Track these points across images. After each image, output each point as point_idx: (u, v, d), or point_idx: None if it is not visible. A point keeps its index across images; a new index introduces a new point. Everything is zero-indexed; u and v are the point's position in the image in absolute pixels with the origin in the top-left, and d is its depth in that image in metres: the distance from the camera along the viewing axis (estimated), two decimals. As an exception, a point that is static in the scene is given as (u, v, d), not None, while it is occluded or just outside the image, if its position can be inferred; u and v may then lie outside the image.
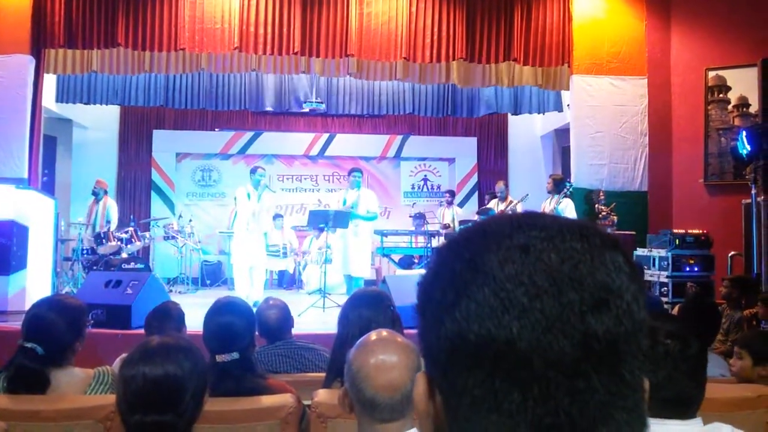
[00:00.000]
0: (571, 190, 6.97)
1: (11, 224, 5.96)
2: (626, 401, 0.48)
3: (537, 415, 0.46)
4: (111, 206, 8.60)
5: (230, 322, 2.17)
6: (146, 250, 9.30)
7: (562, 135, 10.02)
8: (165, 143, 10.80)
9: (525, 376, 0.46)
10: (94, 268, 7.58)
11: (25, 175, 6.86)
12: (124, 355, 3.01)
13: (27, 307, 5.78)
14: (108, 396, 2.04)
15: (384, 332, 1.53)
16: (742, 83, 7.38)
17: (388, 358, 1.42)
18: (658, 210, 7.50)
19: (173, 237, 9.19)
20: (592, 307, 0.47)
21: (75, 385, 2.08)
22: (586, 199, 7.25)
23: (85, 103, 9.36)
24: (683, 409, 1.35)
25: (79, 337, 2.17)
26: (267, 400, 2.01)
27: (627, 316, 0.48)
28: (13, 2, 6.98)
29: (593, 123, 7.52)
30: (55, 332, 2.09)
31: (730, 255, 6.64)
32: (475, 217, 8.28)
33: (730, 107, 7.52)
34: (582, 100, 7.55)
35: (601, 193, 7.12)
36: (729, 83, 7.53)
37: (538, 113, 9.92)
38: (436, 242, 8.35)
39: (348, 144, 11.06)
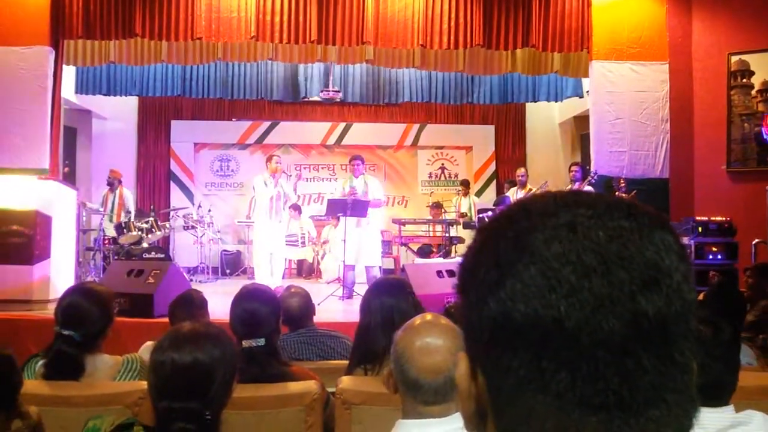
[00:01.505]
0: (596, 178, 6.90)
1: (34, 214, 6.03)
2: (676, 382, 0.47)
3: (585, 395, 0.45)
4: (128, 196, 8.70)
5: (255, 308, 2.19)
6: (166, 239, 9.39)
7: (581, 122, 9.91)
8: (183, 133, 10.88)
9: (573, 356, 0.46)
10: (116, 257, 7.68)
11: (47, 166, 6.93)
12: (148, 342, 3.05)
13: (51, 296, 5.94)
14: (136, 382, 2.07)
15: (429, 315, 1.53)
16: (767, 67, 7.24)
17: (433, 341, 1.44)
18: (680, 197, 7.40)
19: (193, 227, 9.27)
20: (642, 286, 0.46)
21: (105, 371, 2.11)
22: (606, 186, 7.17)
23: (104, 95, 9.43)
24: (717, 396, 1.34)
25: (110, 323, 2.22)
26: (292, 387, 2.03)
27: (677, 296, 0.48)
28: (32, -6, 7.04)
29: (613, 109, 7.43)
30: (89, 319, 2.14)
31: (754, 243, 6.54)
32: (493, 207, 8.23)
33: (753, 92, 7.38)
34: (602, 87, 7.45)
35: (622, 181, 7.04)
36: (752, 68, 7.38)
37: (556, 101, 9.82)
38: (454, 231, 8.34)
39: (364, 133, 11.05)
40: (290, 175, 9.51)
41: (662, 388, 0.46)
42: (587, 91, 8.35)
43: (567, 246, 0.47)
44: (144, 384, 2.02)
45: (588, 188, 6.81)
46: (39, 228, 6.03)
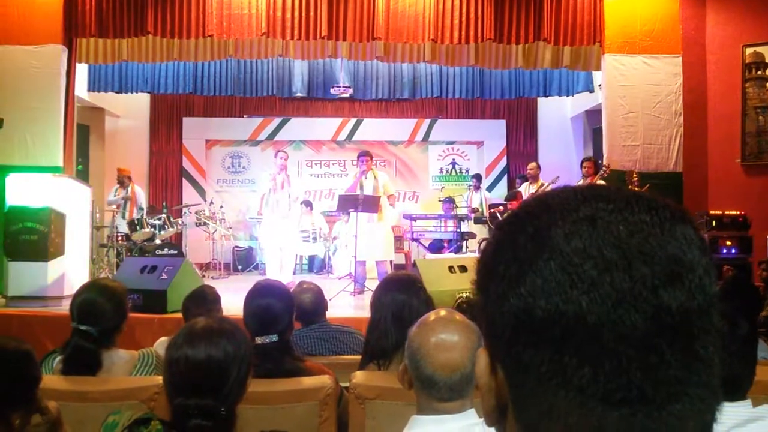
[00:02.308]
0: (608, 172, 6.87)
1: (49, 211, 6.08)
2: (699, 377, 0.47)
3: (608, 390, 0.45)
4: (139, 193, 8.76)
5: (269, 305, 2.19)
6: (179, 236, 9.43)
7: (593, 116, 9.86)
8: (195, 130, 10.93)
9: (595, 351, 0.45)
10: (129, 254, 7.74)
11: (61, 164, 6.99)
12: (163, 338, 3.07)
13: (66, 292, 5.98)
14: (151, 377, 2.09)
15: (443, 311, 1.53)
16: (782, 59, 7.16)
17: (449, 337, 1.43)
18: (694, 191, 7.34)
19: (205, 223, 9.31)
20: (665, 281, 0.46)
21: (121, 366, 2.13)
22: (619, 180, 7.13)
23: (117, 92, 9.48)
24: (733, 391, 1.33)
25: (124, 319, 2.23)
26: (306, 382, 2.04)
27: (699, 291, 0.47)
28: (45, -8, 7.09)
29: (626, 103, 7.38)
30: (104, 315, 2.16)
31: (768, 236, 6.49)
32: (505, 202, 8.20)
33: (768, 84, 7.31)
34: (614, 80, 7.40)
35: (635, 175, 7.00)
36: (767, 60, 7.30)
37: (568, 95, 9.77)
38: (465, 226, 8.32)
39: (375, 128, 11.04)
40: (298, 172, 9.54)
41: (685, 382, 0.46)
42: (599, 85, 8.29)
43: (587, 241, 0.47)
44: (159, 379, 2.04)
45: (600, 183, 6.77)
46: (54, 225, 6.07)
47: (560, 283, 0.46)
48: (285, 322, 2.21)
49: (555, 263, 0.47)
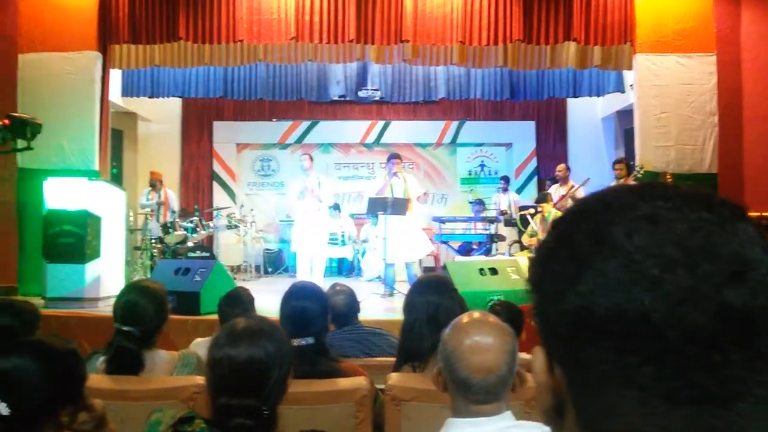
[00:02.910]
0: (642, 174, 6.77)
1: (85, 214, 6.22)
2: (764, 377, 0.46)
3: (672, 389, 0.45)
4: (171, 196, 8.90)
5: (305, 307, 2.21)
6: (210, 238, 9.57)
7: (624, 117, 9.72)
8: (225, 134, 11.07)
9: (658, 349, 0.45)
10: (162, 256, 7.87)
11: (96, 168, 7.14)
12: (198, 339, 3.12)
13: (102, 294, 6.10)
14: (191, 377, 2.13)
15: (477, 313, 1.52)
16: (821, 57, 6.98)
17: (483, 339, 1.42)
18: (729, 192, 7.17)
19: (236, 226, 9.42)
20: (728, 279, 0.46)
21: (163, 366, 2.17)
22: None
23: (149, 97, 9.64)
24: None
25: (165, 320, 2.28)
26: (342, 383, 2.05)
27: (763, 289, 0.47)
28: (80, 0, 7.25)
29: (658, 103, 7.26)
30: (146, 316, 2.20)
31: (808, 238, 6.31)
32: (535, 204, 8.13)
33: (806, 82, 7.12)
34: (646, 80, 7.29)
35: (668, 176, 6.89)
36: (805, 57, 7.13)
37: (598, 95, 9.65)
38: (494, 228, 8.28)
39: (403, 131, 11.05)
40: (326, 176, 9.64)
41: (749, 382, 0.46)
42: (630, 85, 8.18)
43: (648, 238, 0.47)
44: (199, 379, 2.07)
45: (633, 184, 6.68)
46: (90, 228, 6.21)
47: (621, 281, 0.46)
48: (320, 324, 2.23)
49: (615, 261, 0.47)
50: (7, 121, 5.16)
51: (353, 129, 11.08)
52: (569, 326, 0.49)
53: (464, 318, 1.54)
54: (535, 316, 0.54)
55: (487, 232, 8.02)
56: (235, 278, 8.32)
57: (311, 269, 7.32)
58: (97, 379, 2.00)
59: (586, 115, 10.72)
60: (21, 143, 5.46)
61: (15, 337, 2.03)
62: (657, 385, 0.45)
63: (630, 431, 0.47)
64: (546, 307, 0.52)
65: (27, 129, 5.24)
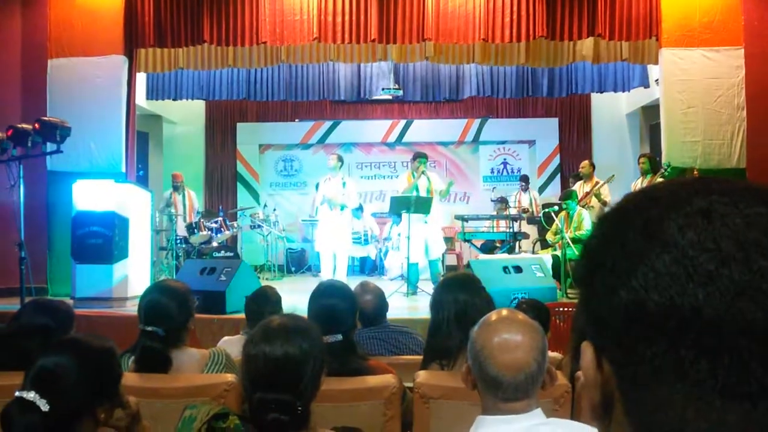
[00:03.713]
0: (669, 170, 6.68)
1: (113, 216, 6.31)
2: None
3: (728, 384, 0.45)
4: (194, 197, 9.00)
5: (333, 305, 2.23)
6: (234, 238, 9.65)
7: (649, 112, 9.60)
8: (248, 135, 11.16)
9: (713, 344, 0.45)
10: (187, 257, 7.97)
11: (123, 170, 7.25)
12: (226, 337, 3.16)
13: (130, 294, 6.18)
14: (221, 375, 2.15)
15: (505, 311, 1.52)
16: None
17: (512, 337, 1.42)
18: (759, 187, 7.05)
19: (259, 226, 9.49)
20: None
21: (193, 364, 2.20)
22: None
23: (173, 99, 9.76)
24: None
25: (190, 318, 2.30)
26: (371, 381, 2.06)
27: None
28: (107, 6, 7.36)
29: (685, 98, 7.15)
30: (169, 315, 2.22)
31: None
32: (559, 201, 8.05)
33: (838, 75, 6.96)
34: (672, 75, 7.19)
35: (696, 172, 6.79)
36: (837, 49, 6.97)
37: (623, 91, 9.54)
38: (518, 227, 8.23)
39: (425, 129, 11.04)
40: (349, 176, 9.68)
41: None
42: (656, 80, 8.07)
43: (703, 233, 0.47)
44: (229, 377, 2.10)
45: (660, 181, 6.60)
46: (117, 229, 6.30)
47: (675, 276, 0.46)
48: (349, 321, 2.24)
49: (669, 256, 0.47)
50: (37, 125, 5.27)
51: (375, 128, 11.10)
52: (621, 321, 0.49)
53: (493, 316, 1.53)
54: (583, 312, 0.54)
55: (510, 230, 7.98)
56: (258, 278, 8.41)
57: (334, 268, 7.35)
58: (129, 377, 2.03)
59: (611, 111, 10.61)
60: (50, 146, 5.58)
61: (52, 336, 2.07)
62: (712, 381, 0.45)
63: (684, 427, 0.46)
64: (596, 302, 0.51)
65: (56, 132, 5.35)
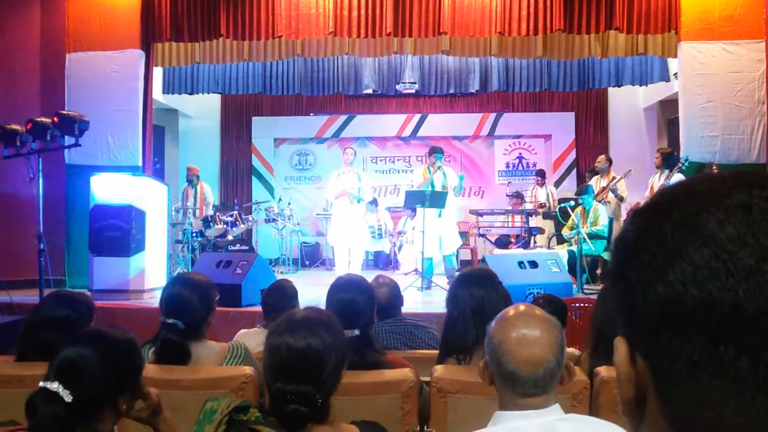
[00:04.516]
0: (686, 164, 6.61)
1: (130, 209, 6.36)
2: None
3: None
4: (208, 190, 9.05)
5: (352, 299, 2.23)
6: (249, 232, 9.70)
7: (667, 106, 9.50)
8: (263, 129, 11.20)
9: (754, 340, 0.44)
10: (203, 250, 8.02)
11: (140, 163, 7.30)
12: (243, 330, 3.17)
13: (146, 286, 6.23)
14: (240, 367, 2.16)
15: (522, 306, 1.51)
16: None
17: (530, 332, 1.41)
18: (779, 183, 6.95)
19: (274, 219, 9.53)
20: None
21: (212, 357, 2.21)
22: (697, 173, 6.84)
23: (189, 94, 9.81)
24: None
25: (211, 311, 2.31)
26: (389, 374, 2.06)
27: None
28: (124, 1, 7.41)
29: (704, 92, 7.06)
30: (190, 308, 2.23)
31: None
32: (576, 196, 8.00)
33: None
34: (691, 68, 7.10)
35: (714, 167, 6.70)
36: None
37: (641, 85, 9.44)
38: (533, 222, 8.19)
39: (440, 124, 11.01)
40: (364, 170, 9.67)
41: None
42: (674, 74, 7.98)
43: (743, 228, 0.46)
44: (247, 369, 2.11)
45: (678, 176, 6.53)
46: (134, 222, 6.36)
47: (714, 270, 0.45)
48: (367, 315, 2.24)
49: (708, 251, 0.46)
50: (56, 119, 5.32)
51: (390, 122, 11.09)
52: (657, 316, 0.48)
53: (511, 311, 1.52)
54: (617, 307, 0.53)
55: (525, 225, 7.94)
56: (273, 271, 8.45)
57: (349, 262, 7.36)
58: (148, 368, 2.05)
59: (628, 105, 10.51)
60: (69, 140, 5.63)
61: (72, 327, 2.10)
62: (753, 377, 0.44)
63: (722, 424, 0.46)
64: (631, 297, 0.51)
65: (75, 126, 5.40)
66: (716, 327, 0.45)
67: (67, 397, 1.35)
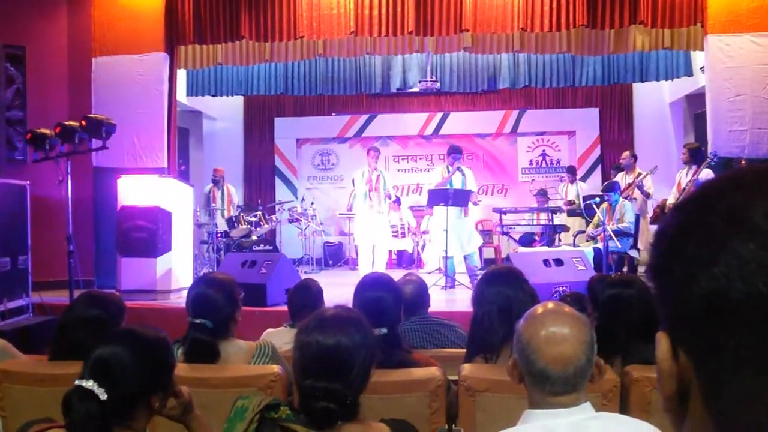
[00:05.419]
0: (715, 160, 6.49)
1: (156, 210, 6.45)
2: None
3: None
4: (233, 191, 9.13)
5: (379, 297, 2.23)
6: (273, 232, 9.76)
7: (694, 101, 9.33)
8: (286, 130, 11.27)
9: None
10: (228, 250, 8.09)
11: (165, 165, 7.39)
12: (269, 329, 3.19)
13: (173, 286, 6.30)
14: (267, 366, 2.18)
15: (551, 304, 1.50)
16: None
17: (559, 330, 1.40)
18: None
19: (297, 219, 9.59)
20: None
21: (240, 355, 2.24)
22: (726, 168, 6.72)
23: (212, 95, 9.90)
24: None
25: (236, 309, 2.33)
26: (416, 373, 2.06)
27: None
28: (149, 5, 7.50)
29: (732, 86, 6.93)
30: (216, 306, 2.26)
31: None
32: (602, 193, 7.91)
33: None
34: (719, 62, 6.96)
35: (743, 162, 6.58)
36: None
37: (666, 79, 9.29)
38: (558, 219, 8.12)
39: (462, 122, 10.96)
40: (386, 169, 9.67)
41: None
42: (701, 68, 7.84)
43: None
44: (275, 368, 2.13)
45: (707, 171, 6.43)
46: (161, 223, 6.44)
47: (761, 264, 0.45)
48: (395, 314, 2.24)
49: (754, 243, 0.45)
50: (84, 122, 5.41)
51: (412, 121, 11.07)
52: (701, 311, 0.47)
53: (539, 309, 1.51)
54: (658, 301, 0.52)
55: (550, 222, 7.88)
56: (297, 271, 8.50)
57: (372, 261, 7.37)
58: (178, 367, 2.07)
59: (653, 100, 10.36)
60: (96, 143, 5.72)
61: (104, 327, 2.13)
62: None
63: None
64: (674, 291, 0.50)
65: (102, 129, 5.49)
66: (762, 321, 0.44)
67: (102, 395, 1.37)
